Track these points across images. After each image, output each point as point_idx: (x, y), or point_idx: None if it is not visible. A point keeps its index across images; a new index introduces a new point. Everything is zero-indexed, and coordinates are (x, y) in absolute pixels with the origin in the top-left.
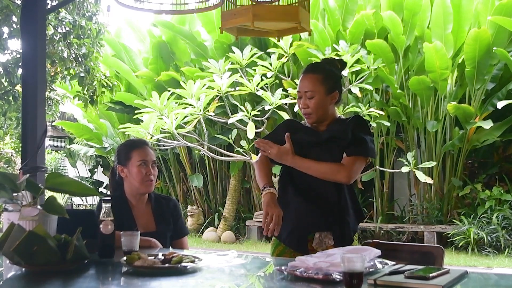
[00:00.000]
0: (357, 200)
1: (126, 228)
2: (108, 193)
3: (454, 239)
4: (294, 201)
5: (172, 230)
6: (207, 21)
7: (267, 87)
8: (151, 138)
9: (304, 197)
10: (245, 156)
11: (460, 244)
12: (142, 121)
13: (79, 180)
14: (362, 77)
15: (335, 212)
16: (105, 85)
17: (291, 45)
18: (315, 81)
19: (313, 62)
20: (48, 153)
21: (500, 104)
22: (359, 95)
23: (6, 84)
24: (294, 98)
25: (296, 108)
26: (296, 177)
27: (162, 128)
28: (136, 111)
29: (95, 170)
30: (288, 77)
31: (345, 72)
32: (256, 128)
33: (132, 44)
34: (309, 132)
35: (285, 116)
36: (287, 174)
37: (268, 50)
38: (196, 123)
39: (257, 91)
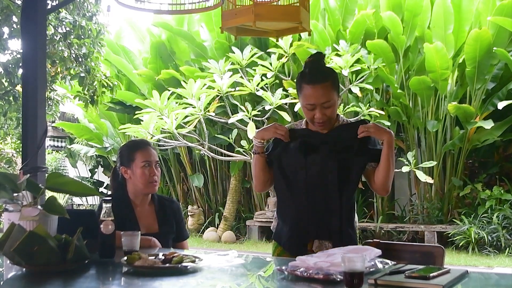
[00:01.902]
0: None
1: (129, 229)
2: (109, 193)
3: (454, 238)
4: (293, 207)
5: (174, 232)
6: (207, 21)
7: (267, 87)
8: (151, 138)
9: (304, 204)
10: (245, 156)
11: (460, 244)
12: (143, 121)
13: (80, 180)
14: (363, 77)
15: (336, 222)
16: (106, 85)
17: (291, 45)
18: (329, 89)
19: (310, 67)
20: (48, 153)
21: (500, 105)
22: (360, 94)
23: (6, 84)
24: (294, 98)
25: (296, 108)
26: (293, 181)
27: (162, 128)
28: (136, 111)
29: (96, 170)
30: (288, 77)
31: (345, 72)
32: (256, 128)
33: (132, 45)
34: (312, 135)
35: (285, 116)
36: (283, 178)
37: (268, 50)
38: (197, 123)
39: (257, 91)
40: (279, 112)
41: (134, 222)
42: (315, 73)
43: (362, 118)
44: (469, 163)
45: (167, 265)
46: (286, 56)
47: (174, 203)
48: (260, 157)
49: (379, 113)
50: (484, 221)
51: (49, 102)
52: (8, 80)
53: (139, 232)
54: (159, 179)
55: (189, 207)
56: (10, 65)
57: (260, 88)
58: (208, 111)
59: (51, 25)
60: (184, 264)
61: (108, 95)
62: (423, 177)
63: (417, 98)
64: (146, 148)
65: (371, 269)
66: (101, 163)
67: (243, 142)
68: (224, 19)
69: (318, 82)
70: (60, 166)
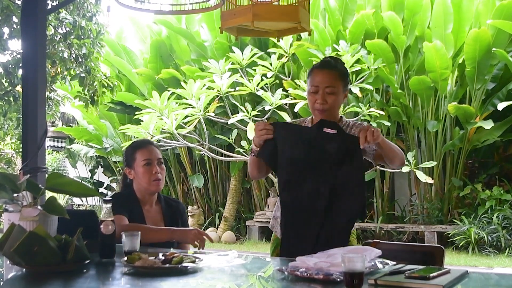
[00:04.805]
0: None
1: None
2: (109, 193)
3: (454, 239)
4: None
5: None
6: (208, 21)
7: (267, 87)
8: (151, 138)
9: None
10: (245, 156)
11: (460, 244)
12: (142, 121)
13: (80, 180)
14: (363, 77)
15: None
16: (106, 85)
17: (291, 45)
18: (335, 77)
19: (325, 59)
20: (48, 153)
21: (500, 106)
22: (360, 95)
23: (6, 84)
24: (295, 98)
25: (296, 108)
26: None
27: (162, 129)
28: (136, 112)
29: (96, 170)
30: (288, 77)
31: None
32: None
33: (134, 45)
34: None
35: (285, 116)
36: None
37: (268, 50)
38: (197, 123)
39: (257, 91)
40: (279, 112)
41: (142, 221)
42: (327, 60)
43: (361, 119)
44: (469, 163)
45: (167, 265)
46: (286, 56)
47: (180, 204)
48: (255, 158)
49: (379, 113)
50: (484, 221)
51: (49, 102)
52: (8, 80)
53: (139, 232)
54: (163, 177)
55: (189, 208)
56: (10, 66)
57: (260, 88)
58: (208, 111)
59: (51, 25)
60: (184, 264)
61: (108, 95)
62: (423, 177)
63: (417, 98)
64: (147, 147)
65: (371, 269)
66: (101, 163)
67: (243, 143)
68: (223, 19)
69: (327, 67)
70: (60, 167)
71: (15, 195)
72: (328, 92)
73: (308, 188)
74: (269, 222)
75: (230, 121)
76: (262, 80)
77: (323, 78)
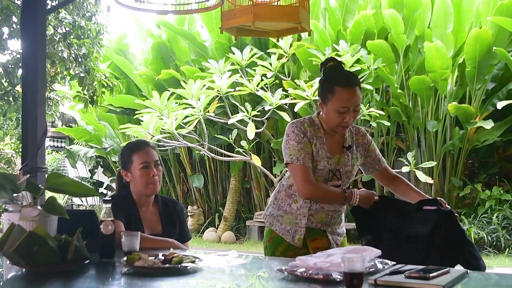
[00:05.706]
0: None
1: (133, 229)
2: (109, 193)
3: None
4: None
5: (177, 234)
6: (207, 21)
7: (267, 87)
8: (151, 138)
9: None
10: (245, 156)
11: None
12: (142, 121)
13: (79, 180)
14: (362, 77)
15: None
16: (105, 85)
17: (291, 45)
18: (359, 92)
19: (342, 71)
20: (48, 153)
21: (500, 105)
22: None
23: (6, 84)
24: (294, 98)
25: (296, 108)
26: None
27: (162, 129)
28: (136, 112)
29: (95, 170)
30: (288, 77)
31: None
32: (256, 128)
33: (136, 45)
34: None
35: (285, 116)
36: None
37: (268, 50)
38: (197, 123)
39: (257, 91)
40: (279, 112)
41: (138, 222)
42: (350, 77)
43: (361, 119)
44: (469, 163)
45: (167, 265)
46: (286, 56)
47: (177, 205)
48: (343, 199)
49: (379, 113)
50: (484, 221)
51: (49, 102)
52: (8, 80)
53: (139, 232)
54: (160, 179)
55: (189, 208)
56: (10, 65)
57: (260, 88)
58: (208, 111)
59: (51, 25)
60: (184, 264)
61: (108, 98)
62: (423, 177)
63: (417, 98)
64: (144, 149)
65: (371, 269)
66: (101, 163)
67: (243, 143)
68: (223, 19)
69: (354, 85)
70: (60, 167)
71: (15, 195)
72: (356, 109)
73: (403, 250)
74: None
75: (230, 121)
76: (262, 80)
77: (353, 98)
